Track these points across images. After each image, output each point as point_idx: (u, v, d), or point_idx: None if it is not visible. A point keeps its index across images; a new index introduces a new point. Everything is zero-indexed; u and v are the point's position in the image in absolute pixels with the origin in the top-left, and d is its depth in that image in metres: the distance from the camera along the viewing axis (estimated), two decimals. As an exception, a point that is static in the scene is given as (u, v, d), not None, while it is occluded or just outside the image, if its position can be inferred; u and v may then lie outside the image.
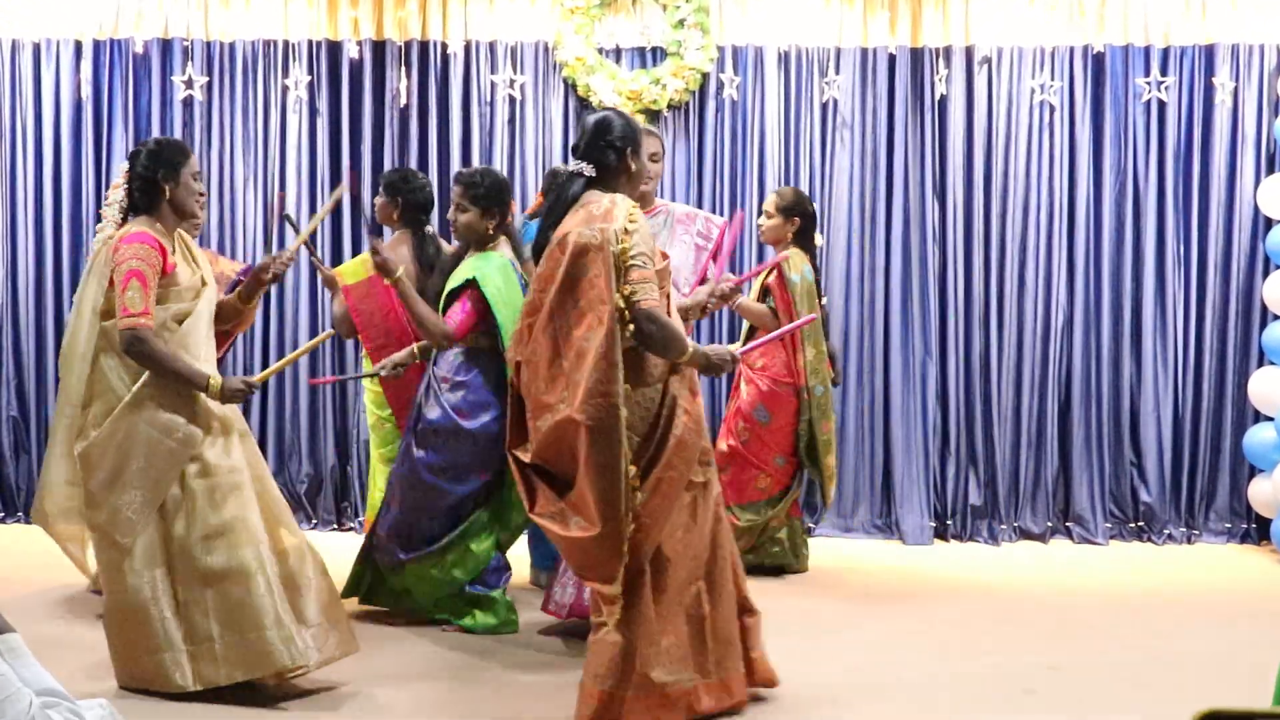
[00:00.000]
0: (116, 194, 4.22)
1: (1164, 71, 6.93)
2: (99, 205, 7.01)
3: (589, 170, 3.73)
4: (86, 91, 7.03)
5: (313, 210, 6.96)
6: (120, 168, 4.22)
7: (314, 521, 6.90)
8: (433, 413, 4.79)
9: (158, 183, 4.03)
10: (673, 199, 6.78)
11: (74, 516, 4.99)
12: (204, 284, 4.15)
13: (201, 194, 4.18)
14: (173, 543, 3.93)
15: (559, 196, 3.76)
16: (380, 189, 5.45)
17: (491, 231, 4.86)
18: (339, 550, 5.99)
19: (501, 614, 4.87)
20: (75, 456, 4.03)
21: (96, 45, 7.02)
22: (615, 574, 3.56)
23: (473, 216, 4.84)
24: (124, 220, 4.15)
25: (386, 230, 5.80)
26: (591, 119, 3.80)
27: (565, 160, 6.69)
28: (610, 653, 3.63)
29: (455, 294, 4.77)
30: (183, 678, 3.89)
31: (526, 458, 3.72)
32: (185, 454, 3.93)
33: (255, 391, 4.05)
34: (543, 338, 3.59)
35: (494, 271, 4.74)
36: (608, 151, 3.74)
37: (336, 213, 6.92)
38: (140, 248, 3.92)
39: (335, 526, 6.96)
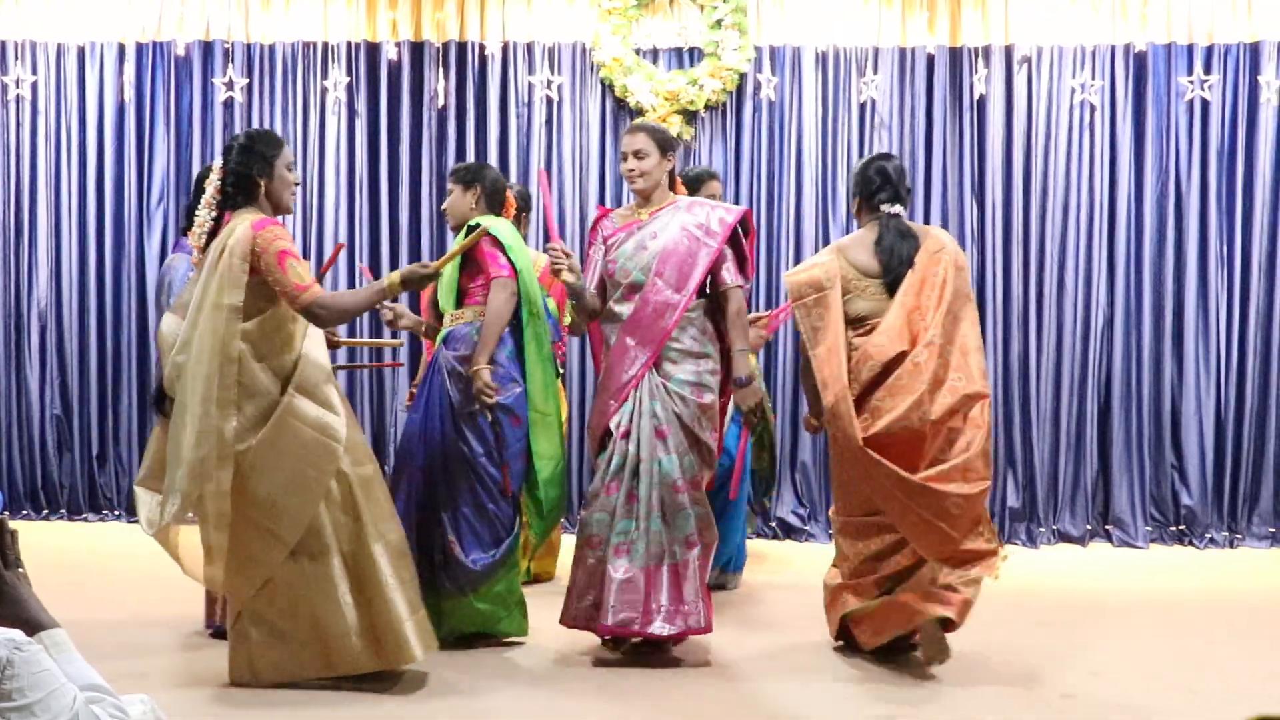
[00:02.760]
0: (207, 193, 4.02)
1: (1207, 70, 6.86)
2: (141, 206, 7.10)
3: (903, 211, 4.55)
4: (129, 94, 7.12)
5: (350, 213, 7.03)
6: (214, 164, 4.10)
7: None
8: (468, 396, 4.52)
9: (252, 177, 3.99)
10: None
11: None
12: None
13: (296, 183, 4.14)
14: (322, 536, 3.94)
15: (897, 230, 4.44)
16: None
17: (474, 208, 4.66)
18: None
19: (513, 617, 4.60)
20: (221, 457, 3.84)
21: (139, 48, 7.11)
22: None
23: (456, 194, 4.68)
24: (219, 218, 4.02)
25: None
26: (889, 167, 4.56)
27: (601, 162, 6.73)
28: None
29: (471, 258, 4.53)
30: (329, 667, 3.97)
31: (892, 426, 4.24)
32: (338, 448, 3.94)
33: (435, 275, 4.12)
34: (943, 329, 4.29)
35: (499, 221, 4.59)
36: (907, 193, 4.63)
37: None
38: (275, 229, 3.90)
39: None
